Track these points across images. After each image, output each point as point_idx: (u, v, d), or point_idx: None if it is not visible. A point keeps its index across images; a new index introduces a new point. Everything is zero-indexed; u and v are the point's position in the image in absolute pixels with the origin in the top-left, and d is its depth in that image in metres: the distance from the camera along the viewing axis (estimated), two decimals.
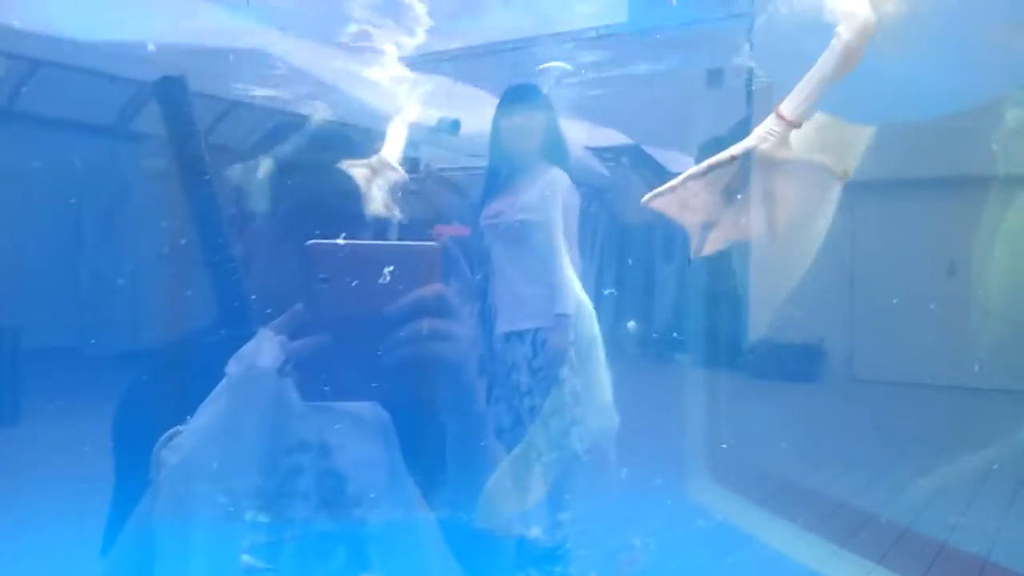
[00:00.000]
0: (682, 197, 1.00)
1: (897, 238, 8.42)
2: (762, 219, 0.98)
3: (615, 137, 9.53)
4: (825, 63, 0.96)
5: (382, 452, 0.90)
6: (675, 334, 8.65)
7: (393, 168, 2.70)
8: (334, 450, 0.87)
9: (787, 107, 0.96)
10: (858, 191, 8.67)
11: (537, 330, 2.88)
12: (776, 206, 0.96)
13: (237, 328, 0.87)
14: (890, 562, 3.18)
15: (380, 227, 1.02)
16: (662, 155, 9.52)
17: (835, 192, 0.98)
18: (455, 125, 6.78)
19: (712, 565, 3.07)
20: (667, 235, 10.25)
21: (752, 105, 8.43)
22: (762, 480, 4.15)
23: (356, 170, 2.69)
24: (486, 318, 2.92)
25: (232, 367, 0.83)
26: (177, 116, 0.86)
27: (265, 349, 0.81)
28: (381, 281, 0.76)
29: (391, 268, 0.77)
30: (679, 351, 7.97)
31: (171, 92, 0.85)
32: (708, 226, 1.00)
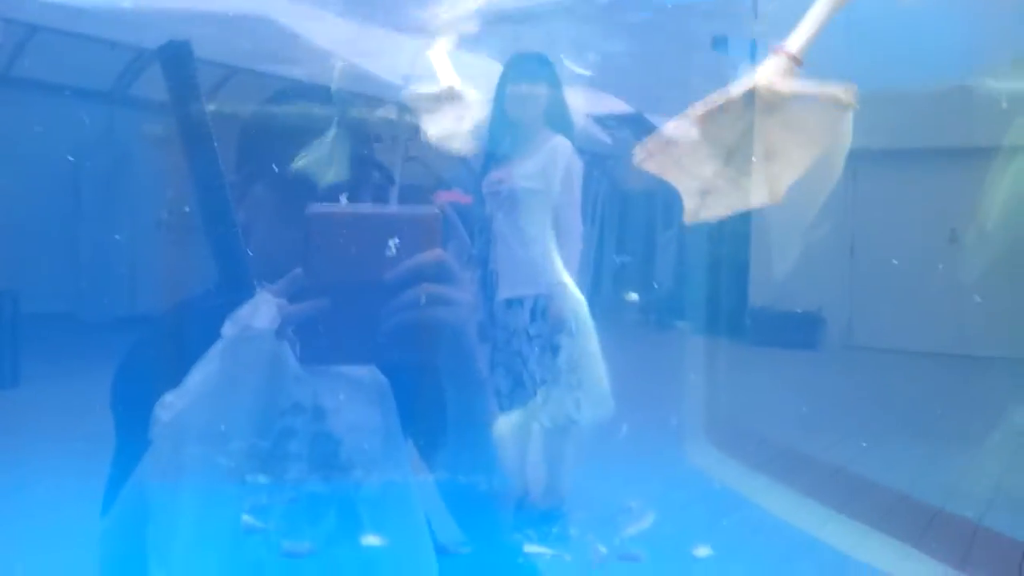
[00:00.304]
0: (676, 155, 0.89)
1: (898, 206, 8.40)
2: (764, 179, 0.87)
3: (617, 105, 9.47)
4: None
5: (378, 417, 0.91)
6: (674, 302, 8.66)
7: (462, 97, 2.65)
8: (329, 413, 0.88)
9: (794, 41, 0.86)
10: (859, 159, 8.66)
11: (537, 297, 2.91)
12: (781, 160, 0.86)
13: (237, 292, 0.86)
14: (886, 526, 3.20)
15: (381, 191, 1.02)
16: (664, 123, 9.48)
17: (846, 130, 0.86)
18: (456, 92, 6.72)
19: (709, 528, 3.10)
20: (667, 202, 10.24)
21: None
22: (760, 445, 4.17)
23: (423, 103, 2.64)
24: (487, 284, 2.94)
25: (228, 328, 0.83)
26: (181, 81, 0.85)
27: (262, 311, 0.82)
28: (381, 247, 0.76)
29: (391, 234, 0.77)
30: (680, 318, 7.98)
31: (175, 57, 0.85)
32: (706, 192, 0.89)
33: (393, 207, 0.83)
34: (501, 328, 2.93)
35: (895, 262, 7.90)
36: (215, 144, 0.85)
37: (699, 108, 0.86)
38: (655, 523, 2.87)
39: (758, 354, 7.90)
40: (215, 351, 0.84)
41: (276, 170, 0.97)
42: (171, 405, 0.84)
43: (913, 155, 8.17)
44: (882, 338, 8.36)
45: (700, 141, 0.87)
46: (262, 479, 0.86)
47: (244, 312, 0.83)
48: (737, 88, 0.86)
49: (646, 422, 3.88)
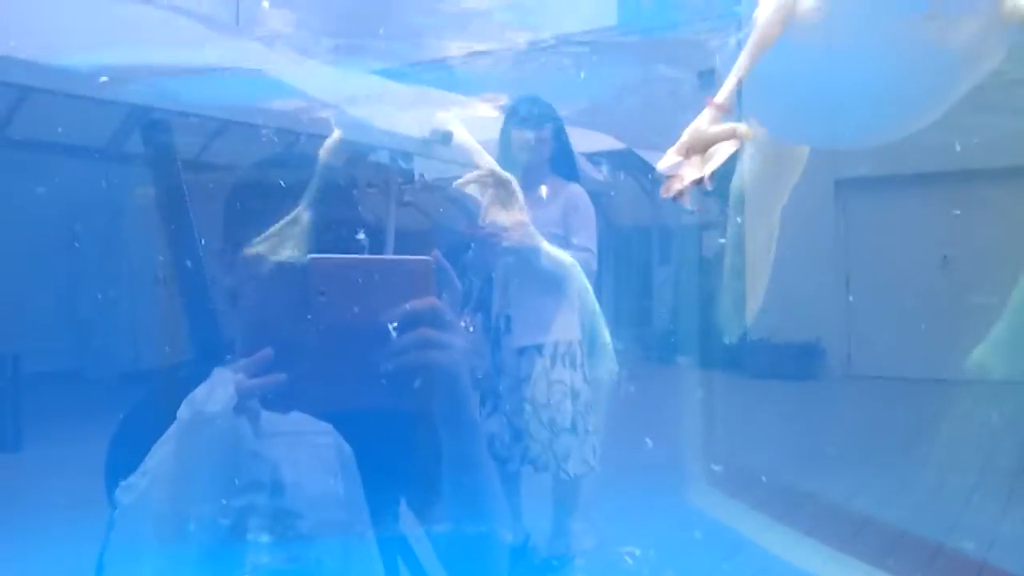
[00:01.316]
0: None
1: (889, 234, 8.44)
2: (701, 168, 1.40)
3: (608, 142, 9.54)
4: (747, 48, 1.39)
5: (339, 486, 0.92)
6: (672, 337, 8.66)
7: (508, 180, 2.76)
8: (288, 487, 0.89)
9: (719, 96, 1.44)
10: (849, 189, 8.71)
11: (556, 343, 2.91)
12: (710, 161, 1.40)
13: (209, 364, 0.88)
14: (888, 564, 3.18)
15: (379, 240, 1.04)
16: (655, 158, 9.53)
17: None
18: (448, 136, 6.78)
19: (710, 571, 3.08)
20: (663, 237, 10.28)
21: (742, 106, 8.45)
22: (759, 483, 4.15)
23: (471, 188, 2.79)
24: (490, 331, 2.94)
25: (183, 410, 0.84)
26: (160, 159, 0.88)
27: (217, 392, 0.82)
28: (378, 295, 0.79)
29: (387, 282, 0.79)
30: (679, 353, 7.97)
31: (155, 134, 0.88)
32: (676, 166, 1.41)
33: (389, 256, 0.85)
34: (508, 375, 2.92)
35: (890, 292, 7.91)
36: (192, 223, 0.88)
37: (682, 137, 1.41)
38: (656, 566, 2.86)
39: (758, 387, 7.89)
40: (171, 433, 0.85)
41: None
42: (131, 487, 0.85)
43: (902, 181, 8.23)
44: (881, 366, 8.35)
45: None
46: (218, 558, 0.86)
47: (200, 393, 0.84)
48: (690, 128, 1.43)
49: (645, 463, 3.88)
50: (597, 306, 2.92)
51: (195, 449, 0.84)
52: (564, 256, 2.85)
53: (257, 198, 1.03)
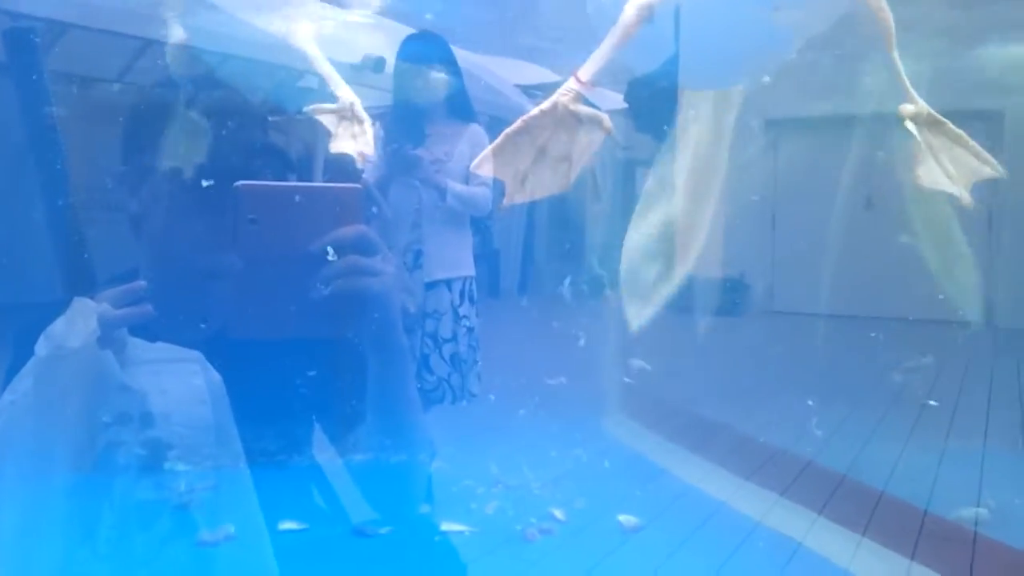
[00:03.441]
0: (505, 156, 1.21)
1: (816, 173, 8.59)
2: (563, 167, 1.22)
3: (543, 74, 9.45)
4: (611, 35, 1.27)
5: (209, 415, 0.91)
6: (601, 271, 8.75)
7: (361, 118, 2.69)
8: (157, 419, 0.87)
9: (584, 72, 1.27)
10: (779, 128, 8.81)
11: (465, 278, 2.94)
12: (569, 159, 1.21)
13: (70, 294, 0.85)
14: (793, 494, 3.30)
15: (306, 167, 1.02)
16: (591, 92, 9.49)
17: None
18: (380, 63, 6.64)
19: (622, 499, 3.17)
20: (599, 174, 10.29)
21: (680, 42, 8.43)
22: (676, 415, 4.26)
23: (324, 117, 2.66)
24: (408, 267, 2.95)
25: (41, 346, 0.82)
26: (23, 77, 0.83)
27: (78, 326, 0.81)
28: (306, 220, 0.79)
29: (315, 208, 0.79)
30: (607, 287, 8.07)
31: (18, 42, 0.83)
32: (522, 179, 1.21)
33: (318, 184, 0.83)
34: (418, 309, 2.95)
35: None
36: (62, 148, 0.83)
37: (517, 123, 1.20)
38: (570, 495, 2.93)
39: (680, 321, 8.03)
40: (28, 368, 0.83)
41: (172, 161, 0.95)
42: None
43: (829, 122, 8.36)
44: (802, 302, 8.58)
45: (518, 144, 1.20)
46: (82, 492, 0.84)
47: (58, 327, 0.82)
48: (544, 106, 1.23)
49: (565, 395, 3.95)
50: None
51: (55, 385, 0.82)
52: (471, 193, 2.86)
53: (166, 120, 0.99)
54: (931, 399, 4.86)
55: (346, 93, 2.44)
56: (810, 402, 4.38)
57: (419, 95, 2.89)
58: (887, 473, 3.52)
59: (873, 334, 5.81)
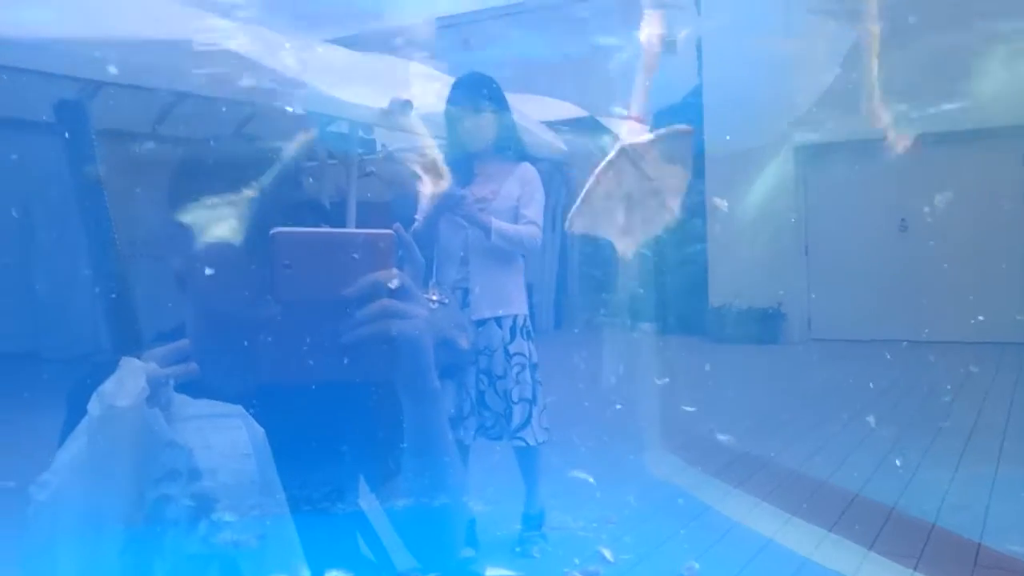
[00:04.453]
0: (594, 210, 1.25)
1: (848, 198, 8.54)
2: (661, 202, 1.25)
3: (569, 110, 9.52)
4: (641, 69, 1.34)
5: (254, 470, 0.92)
6: (637, 304, 8.74)
7: (443, 174, 2.85)
8: (204, 474, 0.89)
9: (634, 108, 1.31)
10: (808, 155, 8.78)
11: (515, 316, 2.95)
12: (664, 189, 1.25)
13: (120, 353, 0.87)
14: (841, 528, 3.23)
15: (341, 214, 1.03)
16: (617, 126, 9.54)
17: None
18: (407, 105, 6.74)
19: (668, 537, 3.13)
20: None
21: (703, 74, 8.47)
22: (718, 449, 4.20)
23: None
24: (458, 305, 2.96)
25: (93, 405, 0.83)
26: (76, 143, 0.86)
27: (127, 385, 0.82)
28: (340, 266, 0.80)
29: (349, 254, 0.80)
30: (644, 320, 8.04)
31: (70, 117, 0.86)
32: (627, 232, 1.24)
33: (351, 230, 0.85)
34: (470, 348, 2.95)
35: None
36: (107, 208, 0.86)
37: (591, 181, 1.22)
38: (618, 534, 2.90)
39: (720, 351, 7.97)
40: (82, 428, 0.84)
41: (215, 215, 0.98)
42: (45, 484, 0.85)
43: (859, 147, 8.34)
44: (840, 329, 8.49)
45: (607, 197, 1.22)
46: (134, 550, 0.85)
47: (109, 387, 0.83)
48: (610, 157, 1.24)
49: (608, 430, 3.93)
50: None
51: (108, 443, 0.83)
52: (516, 232, 2.89)
53: (205, 177, 1.00)
54: (977, 422, 4.76)
55: (431, 146, 2.58)
56: (870, 418, 4.31)
57: (469, 135, 2.93)
58: (937, 503, 3.43)
59: (888, 356, 5.71)
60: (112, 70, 5.01)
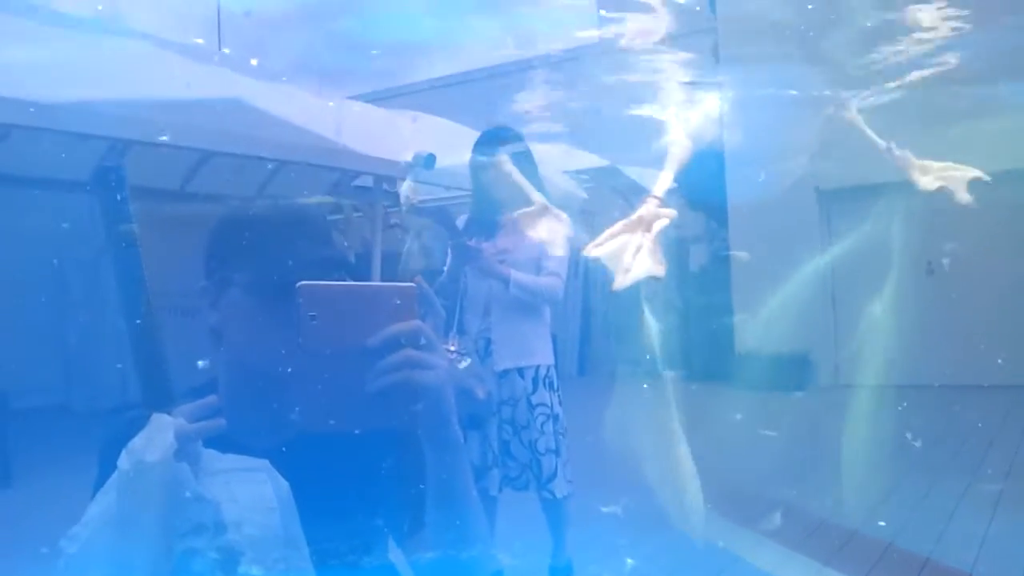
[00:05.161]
0: (611, 249, 1.79)
1: (873, 241, 8.49)
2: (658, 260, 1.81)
3: (591, 159, 9.59)
4: (671, 162, 1.95)
5: (278, 523, 0.94)
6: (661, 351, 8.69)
7: (558, 214, 3.12)
8: (230, 527, 0.90)
9: (658, 190, 1.89)
10: (831, 198, 8.77)
11: (538, 367, 2.96)
12: (659, 250, 1.79)
13: (150, 408, 0.89)
14: None
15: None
16: (638, 174, 9.60)
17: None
18: (431, 159, 6.83)
19: None
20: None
21: (723, 122, 8.52)
22: (748, 499, 4.14)
23: (524, 216, 3.17)
24: (479, 355, 2.97)
25: (123, 460, 0.86)
26: (113, 207, 0.89)
27: (156, 441, 0.85)
28: (365, 318, 0.82)
29: (373, 306, 0.83)
30: (669, 367, 7.99)
31: (107, 181, 0.89)
32: (627, 270, 1.77)
33: (375, 283, 0.87)
34: (490, 398, 2.95)
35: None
36: (143, 271, 0.89)
37: (617, 226, 1.81)
38: None
39: (747, 399, 7.88)
40: (112, 483, 0.87)
41: (252, 274, 1.00)
42: (75, 537, 0.87)
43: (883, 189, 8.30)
44: (869, 374, 8.38)
45: (621, 240, 1.79)
46: None
47: (138, 443, 0.85)
48: (635, 215, 1.84)
49: (634, 479, 3.87)
50: None
51: (137, 497, 0.85)
52: (536, 283, 2.90)
53: (240, 233, 1.05)
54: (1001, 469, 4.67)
55: (539, 198, 2.88)
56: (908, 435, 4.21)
57: (493, 187, 2.97)
58: (974, 553, 3.35)
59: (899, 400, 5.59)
60: (149, 132, 5.13)
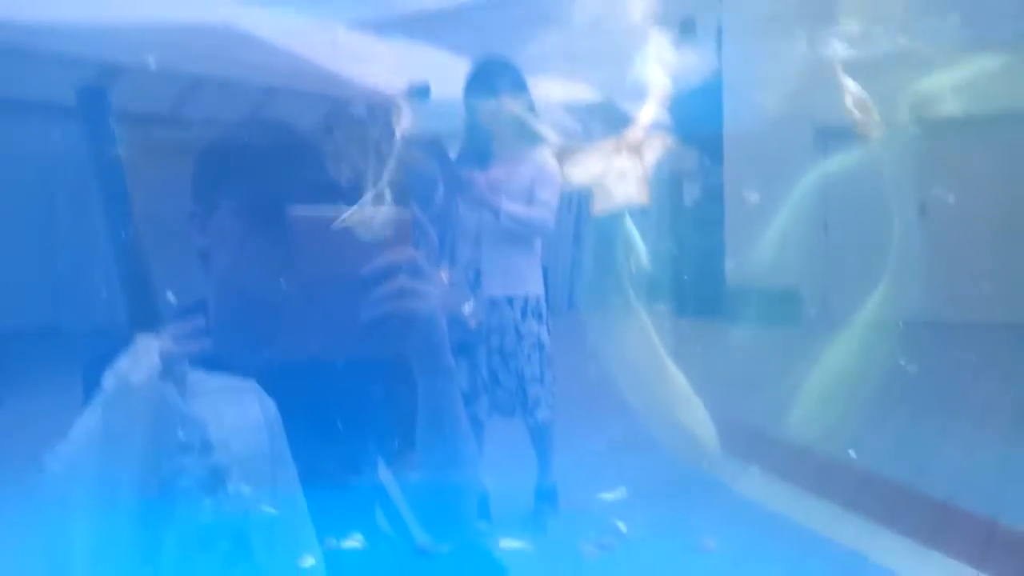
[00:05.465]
0: (592, 169, 1.96)
1: (867, 181, 8.47)
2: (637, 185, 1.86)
3: (587, 93, 9.48)
4: (653, 97, 1.95)
5: (266, 442, 0.94)
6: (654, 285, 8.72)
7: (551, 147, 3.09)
8: (217, 447, 0.90)
9: (643, 119, 1.90)
10: (828, 137, 8.70)
11: (527, 296, 2.96)
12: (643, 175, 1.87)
13: (142, 328, 0.89)
14: (894, 524, 3.15)
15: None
16: (635, 110, 9.49)
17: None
18: (425, 89, 6.73)
19: (684, 515, 3.14)
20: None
21: (723, 57, 8.40)
22: (734, 428, 4.16)
23: (516, 147, 3.20)
24: (468, 284, 2.99)
25: (108, 381, 0.86)
26: (96, 127, 0.88)
27: (141, 361, 0.85)
28: (357, 245, 0.82)
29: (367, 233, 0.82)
30: (659, 301, 8.02)
31: (90, 102, 0.88)
32: (607, 192, 1.80)
33: (368, 209, 0.87)
34: (479, 326, 2.98)
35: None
36: (128, 193, 0.88)
37: (600, 144, 1.78)
38: (634, 510, 2.91)
39: (737, 334, 7.92)
40: (97, 403, 0.87)
41: (241, 198, 1.00)
42: (61, 455, 0.87)
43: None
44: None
45: (607, 161, 1.79)
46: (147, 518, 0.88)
47: (123, 364, 0.86)
48: (620, 141, 1.86)
49: (617, 408, 3.90)
50: None
51: (122, 417, 0.85)
52: (527, 214, 2.90)
53: (229, 158, 1.04)
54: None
55: (543, 130, 2.91)
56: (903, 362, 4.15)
57: (487, 119, 2.95)
58: (994, 496, 3.22)
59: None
60: (139, 56, 5.04)
